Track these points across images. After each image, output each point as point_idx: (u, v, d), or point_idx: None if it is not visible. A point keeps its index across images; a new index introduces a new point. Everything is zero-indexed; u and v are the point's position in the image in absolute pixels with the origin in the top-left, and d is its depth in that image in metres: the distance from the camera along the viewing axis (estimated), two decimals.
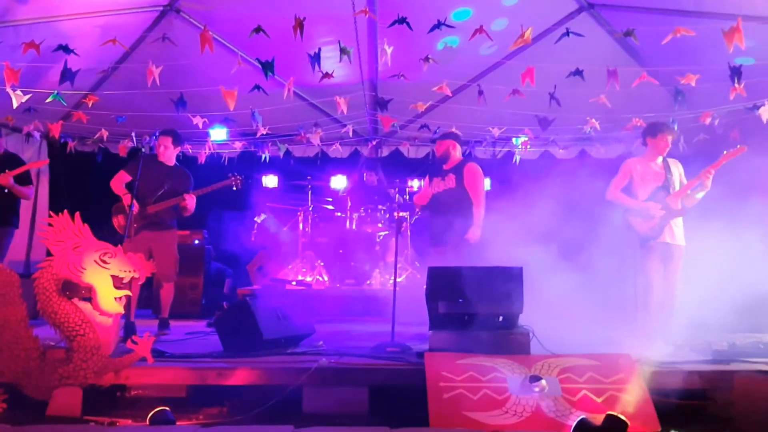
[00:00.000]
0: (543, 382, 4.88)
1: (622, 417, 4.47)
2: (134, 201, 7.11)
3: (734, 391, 4.98)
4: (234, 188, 8.00)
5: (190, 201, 7.71)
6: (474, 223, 7.51)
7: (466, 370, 5.06)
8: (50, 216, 5.20)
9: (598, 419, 4.50)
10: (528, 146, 10.68)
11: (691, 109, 8.69)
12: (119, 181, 7.61)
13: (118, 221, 7.53)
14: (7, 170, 7.72)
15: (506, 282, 5.89)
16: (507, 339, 5.63)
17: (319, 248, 10.67)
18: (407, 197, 10.74)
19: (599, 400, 4.80)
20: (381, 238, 10.32)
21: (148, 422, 4.71)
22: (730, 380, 5.12)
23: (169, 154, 7.80)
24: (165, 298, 7.85)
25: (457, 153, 7.84)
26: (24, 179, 7.88)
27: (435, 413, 4.73)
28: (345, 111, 8.57)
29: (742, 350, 5.99)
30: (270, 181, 11.42)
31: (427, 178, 7.91)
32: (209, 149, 10.60)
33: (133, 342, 5.19)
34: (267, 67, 7.16)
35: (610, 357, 5.26)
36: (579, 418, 4.52)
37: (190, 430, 4.62)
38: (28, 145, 10.06)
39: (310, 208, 10.85)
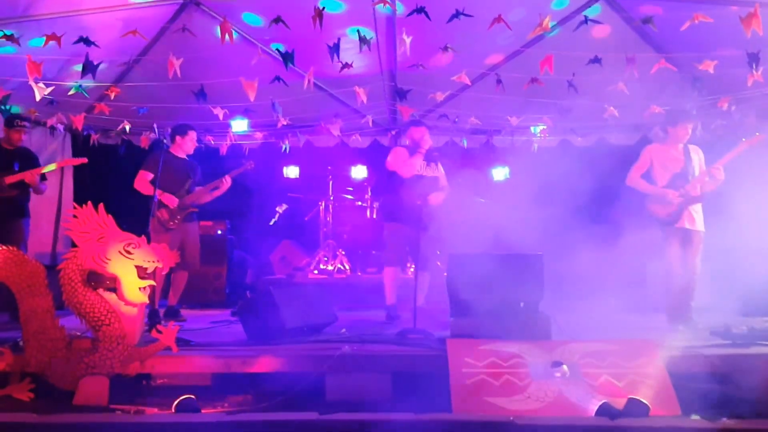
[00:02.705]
0: (564, 367, 4.92)
1: (644, 401, 4.52)
2: (172, 195, 7.87)
3: (755, 374, 4.98)
4: (249, 168, 8.52)
5: (227, 183, 8.25)
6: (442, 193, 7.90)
7: (487, 356, 5.11)
8: (75, 208, 5.27)
9: (619, 403, 4.53)
10: (546, 135, 10.62)
11: (709, 96, 8.65)
12: (144, 181, 7.88)
13: (161, 214, 7.84)
14: (33, 166, 7.87)
15: (527, 268, 5.97)
16: (528, 325, 5.68)
17: (340, 237, 10.74)
18: None
19: (620, 384, 4.83)
20: None
21: (173, 410, 4.76)
22: (751, 364, 5.14)
23: (191, 147, 8.25)
24: (179, 286, 8.16)
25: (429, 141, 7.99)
26: (42, 175, 7.98)
27: (457, 399, 4.78)
28: (365, 101, 8.58)
29: (762, 334, 5.97)
30: (291, 171, 11.49)
31: (405, 150, 7.94)
32: (230, 140, 10.64)
33: (158, 331, 5.24)
34: (287, 58, 7.18)
35: (631, 342, 5.29)
36: (601, 403, 4.55)
37: (216, 417, 4.67)
38: (53, 138, 10.14)
39: (331, 198, 10.89)
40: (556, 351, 5.15)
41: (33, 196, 8.12)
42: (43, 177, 7.99)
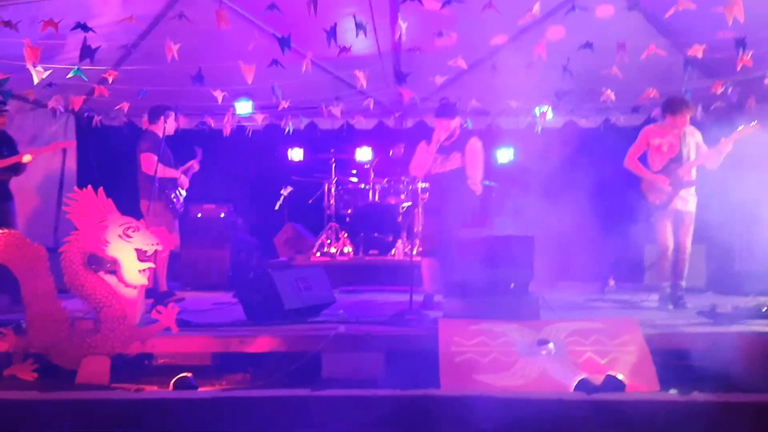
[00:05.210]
0: (550, 345, 5.08)
1: (620, 377, 4.70)
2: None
3: (733, 351, 5.11)
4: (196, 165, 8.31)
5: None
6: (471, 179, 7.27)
7: (477, 335, 5.26)
8: (74, 191, 5.38)
9: (598, 379, 4.71)
10: (546, 116, 10.61)
11: (709, 77, 8.68)
12: (157, 163, 7.64)
13: (177, 200, 7.94)
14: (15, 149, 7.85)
15: (517, 250, 6.12)
16: (518, 305, 5.84)
17: (343, 220, 10.82)
18: None
19: (603, 361, 4.98)
20: (404, 209, 10.43)
21: (171, 387, 4.91)
22: (730, 341, 5.29)
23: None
24: None
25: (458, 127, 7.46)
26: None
27: (446, 376, 4.95)
28: (365, 85, 8.65)
29: (745, 313, 6.15)
30: (295, 154, 11.53)
31: (424, 145, 7.40)
32: (233, 122, 10.66)
33: (158, 312, 5.36)
34: (284, 42, 7.25)
35: (616, 320, 5.48)
36: (580, 378, 4.74)
37: (211, 394, 4.81)
38: (55, 120, 10.17)
39: (334, 181, 10.96)
40: (544, 330, 5.29)
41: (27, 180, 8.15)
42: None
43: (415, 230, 9.97)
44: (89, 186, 5.33)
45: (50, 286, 5.28)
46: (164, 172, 7.74)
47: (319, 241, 10.49)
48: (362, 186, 10.98)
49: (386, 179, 10.73)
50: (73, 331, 5.24)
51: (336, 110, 10.13)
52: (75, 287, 5.23)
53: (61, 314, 5.27)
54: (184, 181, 8.00)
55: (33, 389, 4.87)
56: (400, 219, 10.39)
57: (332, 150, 11.02)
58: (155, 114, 7.97)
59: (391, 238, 10.45)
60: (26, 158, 7.67)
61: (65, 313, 5.29)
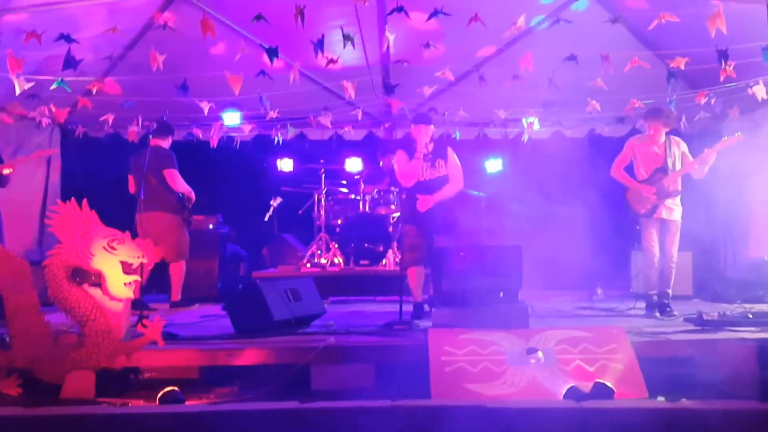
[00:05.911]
0: (539, 353, 5.08)
1: (609, 384, 4.71)
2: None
3: (719, 358, 5.16)
4: None
5: None
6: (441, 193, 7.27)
7: (467, 345, 5.24)
8: (57, 204, 5.34)
9: (587, 387, 4.73)
10: (533, 126, 10.60)
11: (693, 88, 8.76)
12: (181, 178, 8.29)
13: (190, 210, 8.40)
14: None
15: (506, 259, 6.19)
16: (507, 314, 5.88)
17: (333, 230, 10.77)
18: None
19: (591, 369, 5.00)
20: (394, 219, 10.39)
21: (157, 402, 4.85)
22: (716, 348, 5.35)
23: None
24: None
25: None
26: None
27: (436, 386, 4.94)
28: (353, 95, 8.64)
29: (731, 320, 6.20)
30: (285, 164, 11.44)
31: (402, 153, 7.42)
32: (221, 133, 10.59)
33: (144, 326, 5.31)
34: (271, 53, 7.23)
35: (604, 329, 5.52)
36: (569, 386, 4.75)
37: (197, 408, 4.76)
38: (39, 131, 9.96)
39: (324, 191, 10.90)
40: (533, 338, 5.30)
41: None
42: None
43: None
44: (72, 198, 5.30)
45: (34, 300, 5.22)
46: (184, 187, 8.23)
47: (310, 252, 10.43)
48: (352, 196, 10.93)
49: (376, 189, 10.68)
50: (58, 346, 5.19)
51: (325, 121, 10.09)
52: (59, 301, 5.19)
53: (45, 328, 5.22)
54: (192, 194, 8.32)
55: (17, 404, 4.82)
56: (390, 229, 10.35)
57: (322, 160, 10.96)
58: (167, 131, 8.42)
59: (381, 249, 10.42)
60: (6, 171, 7.64)
61: (49, 327, 5.24)
